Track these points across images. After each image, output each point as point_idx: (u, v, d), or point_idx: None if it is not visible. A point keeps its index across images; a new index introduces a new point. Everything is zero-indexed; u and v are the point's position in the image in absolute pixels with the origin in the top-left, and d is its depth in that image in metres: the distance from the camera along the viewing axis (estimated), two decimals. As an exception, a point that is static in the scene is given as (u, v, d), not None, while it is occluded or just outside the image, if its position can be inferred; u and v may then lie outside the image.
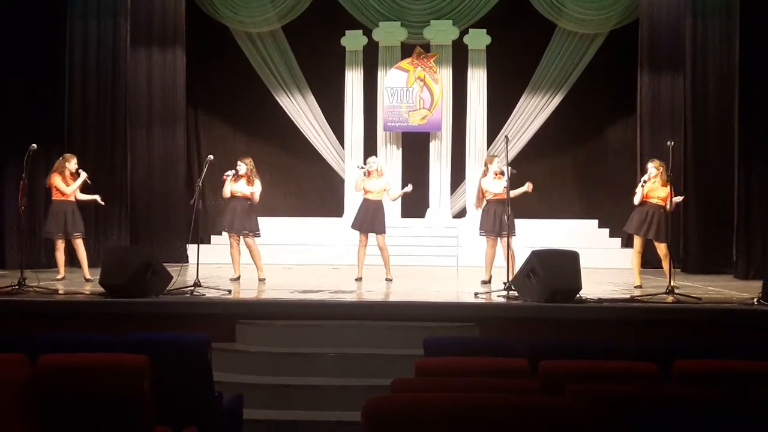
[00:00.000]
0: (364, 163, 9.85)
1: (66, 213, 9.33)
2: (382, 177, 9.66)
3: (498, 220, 8.98)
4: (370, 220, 9.44)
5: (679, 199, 8.96)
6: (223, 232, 9.84)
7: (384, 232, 9.48)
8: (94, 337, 4.91)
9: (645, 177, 8.85)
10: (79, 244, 9.43)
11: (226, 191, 9.31)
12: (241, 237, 9.31)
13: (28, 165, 8.40)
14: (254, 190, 9.28)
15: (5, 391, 3.19)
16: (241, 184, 9.30)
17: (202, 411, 4.43)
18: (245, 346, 6.96)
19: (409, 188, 9.86)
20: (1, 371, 3.45)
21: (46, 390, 3.25)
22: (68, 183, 9.32)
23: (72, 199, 9.39)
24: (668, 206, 8.66)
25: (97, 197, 9.55)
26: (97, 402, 3.32)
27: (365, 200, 9.57)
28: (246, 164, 9.34)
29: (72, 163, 9.38)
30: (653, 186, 8.80)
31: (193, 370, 4.51)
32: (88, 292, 8.18)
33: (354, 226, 9.60)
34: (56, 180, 9.32)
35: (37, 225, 10.95)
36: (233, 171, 9.26)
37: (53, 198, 9.38)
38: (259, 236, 9.41)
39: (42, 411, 3.21)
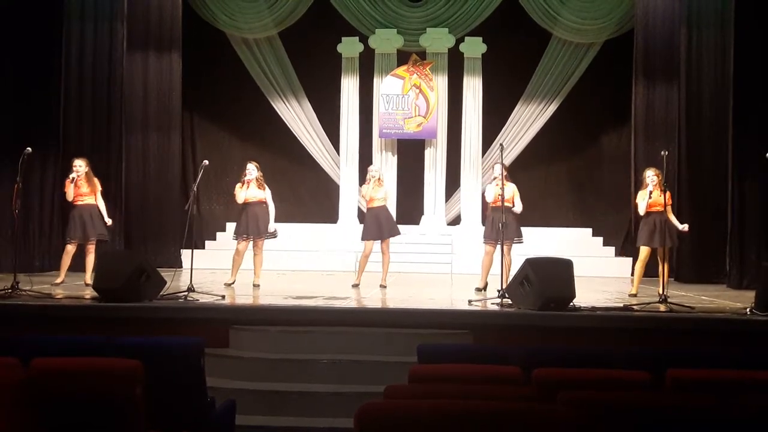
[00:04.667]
0: (365, 173, 9.90)
1: (92, 215, 9.36)
2: (383, 186, 9.70)
3: (496, 227, 8.99)
4: (386, 225, 9.51)
5: (685, 227, 9.02)
6: (217, 237, 9.80)
7: (399, 234, 9.66)
8: (87, 341, 4.90)
9: (650, 187, 8.86)
10: (92, 249, 9.42)
11: (240, 198, 9.37)
12: (251, 241, 9.38)
13: (23, 168, 8.40)
14: (267, 196, 9.44)
15: (-3, 394, 3.18)
16: (254, 189, 9.34)
17: (194, 416, 4.42)
18: (239, 351, 6.94)
19: None
20: (-7, 375, 3.44)
21: (38, 394, 3.25)
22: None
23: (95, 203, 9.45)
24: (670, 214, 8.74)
25: (107, 219, 9.59)
26: (90, 406, 3.32)
27: (372, 209, 9.56)
28: (256, 168, 9.40)
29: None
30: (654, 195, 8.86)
31: (186, 375, 4.50)
32: (82, 296, 8.16)
33: (371, 237, 9.52)
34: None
35: (33, 229, 10.92)
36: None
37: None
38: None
39: (34, 414, 3.21)
